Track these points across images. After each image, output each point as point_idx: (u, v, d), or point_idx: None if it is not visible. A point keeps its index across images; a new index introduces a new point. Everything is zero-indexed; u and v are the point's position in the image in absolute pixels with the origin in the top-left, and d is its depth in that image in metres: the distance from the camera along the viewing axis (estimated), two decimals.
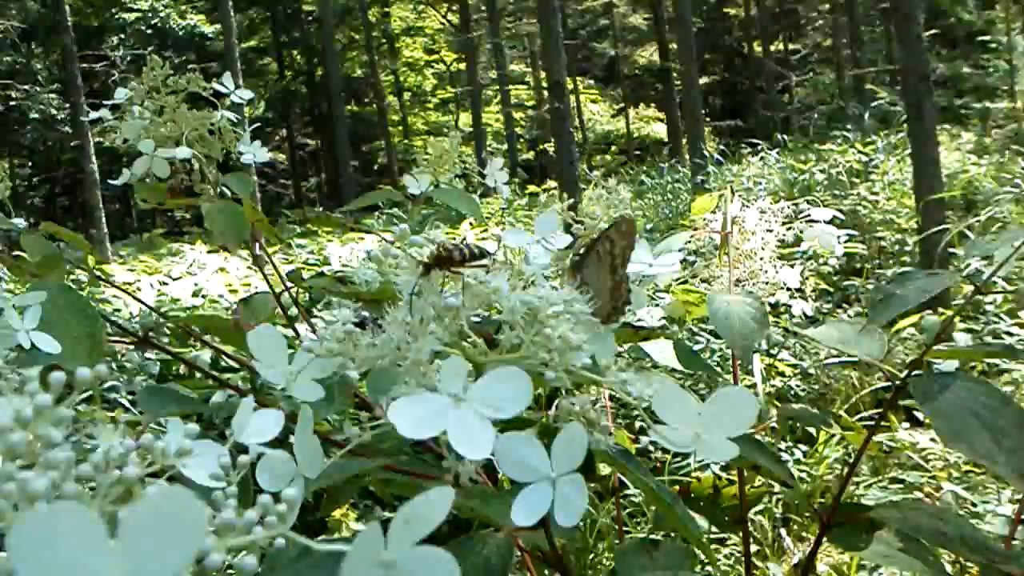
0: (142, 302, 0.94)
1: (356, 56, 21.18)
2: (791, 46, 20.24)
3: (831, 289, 4.78)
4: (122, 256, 10.36)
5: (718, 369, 2.93)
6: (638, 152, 18.82)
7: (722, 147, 11.15)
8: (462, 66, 19.85)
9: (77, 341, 0.64)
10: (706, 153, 9.46)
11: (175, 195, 0.94)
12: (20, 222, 0.89)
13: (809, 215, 1.05)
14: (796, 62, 19.28)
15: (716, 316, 0.88)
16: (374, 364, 0.46)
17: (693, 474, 2.38)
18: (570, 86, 15.47)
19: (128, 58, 14.85)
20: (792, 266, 1.03)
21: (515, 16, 21.06)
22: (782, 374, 3.56)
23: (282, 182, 21.11)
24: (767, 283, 1.02)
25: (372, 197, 1.35)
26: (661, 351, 0.91)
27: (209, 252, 6.97)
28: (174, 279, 7.40)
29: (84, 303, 0.67)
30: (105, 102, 0.91)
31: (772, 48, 19.52)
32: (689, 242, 1.04)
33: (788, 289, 1.04)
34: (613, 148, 20.78)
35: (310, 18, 20.45)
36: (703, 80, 16.86)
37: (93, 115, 0.89)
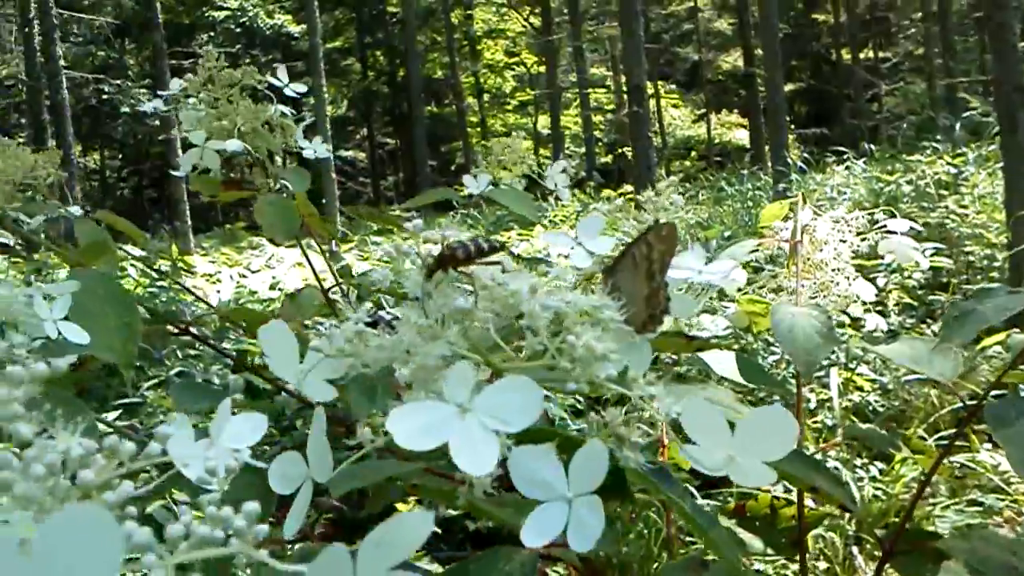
0: (194, 294, 0.94)
1: (437, 57, 21.36)
2: (881, 54, 19.75)
3: (915, 304, 4.62)
4: (204, 248, 10.63)
5: (792, 382, 2.84)
6: (719, 159, 18.55)
7: (806, 155, 10.91)
8: (542, 69, 19.85)
9: (114, 331, 0.63)
10: (789, 161, 9.27)
11: (229, 187, 0.93)
12: (76, 210, 0.89)
13: (885, 226, 1.00)
14: (886, 70, 18.80)
15: (779, 328, 0.84)
16: (382, 366, 0.43)
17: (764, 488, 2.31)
18: (651, 90, 15.36)
19: (216, 56, 15.24)
20: (874, 279, 0.98)
21: (597, 19, 20.97)
22: (861, 389, 3.45)
23: (361, 180, 21.41)
24: (839, 296, 0.97)
25: (433, 194, 1.34)
26: (721, 362, 0.88)
27: (288, 246, 7.12)
28: (253, 272, 7.56)
29: (124, 292, 0.66)
30: (161, 92, 0.91)
31: (861, 56, 19.05)
32: (755, 250, 1.00)
33: (863, 302, 0.99)
34: (693, 154, 20.52)
35: (394, 20, 20.70)
36: (789, 87, 16.52)
37: (147, 105, 0.89)
